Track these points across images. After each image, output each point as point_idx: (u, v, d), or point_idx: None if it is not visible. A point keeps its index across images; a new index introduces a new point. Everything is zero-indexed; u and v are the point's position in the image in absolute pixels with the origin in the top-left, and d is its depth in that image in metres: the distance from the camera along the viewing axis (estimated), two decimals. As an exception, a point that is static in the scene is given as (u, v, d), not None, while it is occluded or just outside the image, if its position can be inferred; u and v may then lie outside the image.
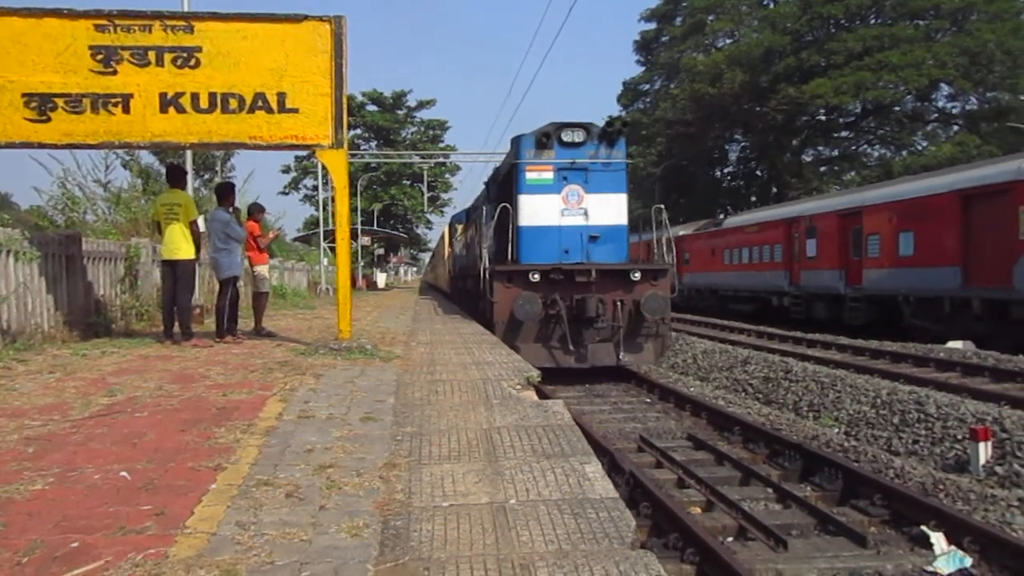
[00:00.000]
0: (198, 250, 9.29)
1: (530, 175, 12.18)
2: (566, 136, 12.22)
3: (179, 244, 8.99)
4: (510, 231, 12.01)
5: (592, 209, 12.16)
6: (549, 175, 12.18)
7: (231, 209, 10.06)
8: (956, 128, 42.02)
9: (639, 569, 2.85)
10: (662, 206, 12.68)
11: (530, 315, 10.98)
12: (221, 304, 9.64)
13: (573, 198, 12.13)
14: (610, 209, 12.27)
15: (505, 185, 13.24)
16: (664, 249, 12.40)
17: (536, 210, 12.12)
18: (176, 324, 9.18)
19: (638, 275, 11.56)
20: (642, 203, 33.00)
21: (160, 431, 4.51)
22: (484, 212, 14.36)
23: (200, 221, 10.40)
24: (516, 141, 12.56)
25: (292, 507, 3.31)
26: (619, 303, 11.37)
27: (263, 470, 3.79)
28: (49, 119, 7.79)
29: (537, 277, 11.31)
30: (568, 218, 12.15)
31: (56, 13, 7.81)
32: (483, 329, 11.89)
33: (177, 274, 9.05)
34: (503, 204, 12.32)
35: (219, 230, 9.68)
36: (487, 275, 11.92)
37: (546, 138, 12.16)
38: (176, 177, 9.61)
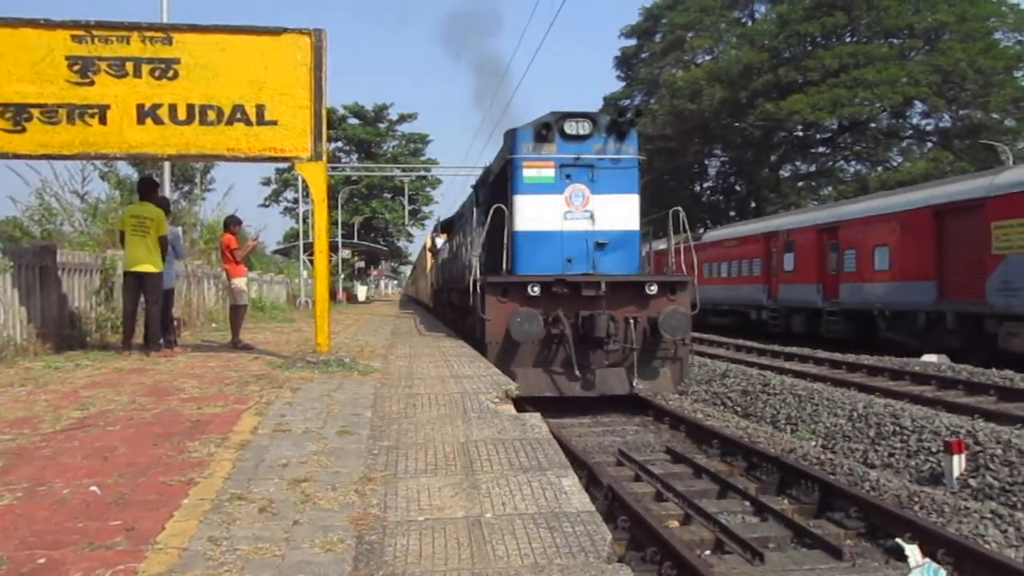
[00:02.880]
0: (163, 263, 9.23)
1: (527, 172, 10.62)
2: (569, 127, 10.68)
3: (147, 257, 8.92)
4: (504, 237, 10.42)
5: (599, 212, 10.66)
6: (550, 172, 10.63)
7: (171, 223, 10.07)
8: (930, 144, 42.72)
9: (614, 583, 2.85)
10: (679, 208, 11.11)
11: (529, 335, 9.50)
12: (153, 313, 9.55)
13: (577, 199, 10.64)
14: (620, 212, 10.76)
15: (498, 185, 11.68)
16: (681, 258, 10.96)
17: (534, 213, 10.60)
18: (144, 336, 9.18)
19: (654, 288, 10.12)
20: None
21: (132, 445, 4.45)
22: (473, 217, 12.73)
23: (178, 233, 10.38)
24: (511, 134, 10.95)
25: (265, 522, 3.27)
26: (632, 321, 9.94)
27: (237, 484, 3.75)
28: (24, 129, 7.72)
29: (537, 290, 9.83)
30: (571, 222, 10.65)
31: (33, 23, 7.76)
32: (463, 343, 11.79)
33: (147, 287, 9.00)
34: (497, 205, 10.62)
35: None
36: (478, 288, 10.37)
37: (546, 130, 10.58)
38: (148, 190, 9.57)
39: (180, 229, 10.74)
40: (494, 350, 9.85)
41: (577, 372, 9.71)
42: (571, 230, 10.63)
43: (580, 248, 10.61)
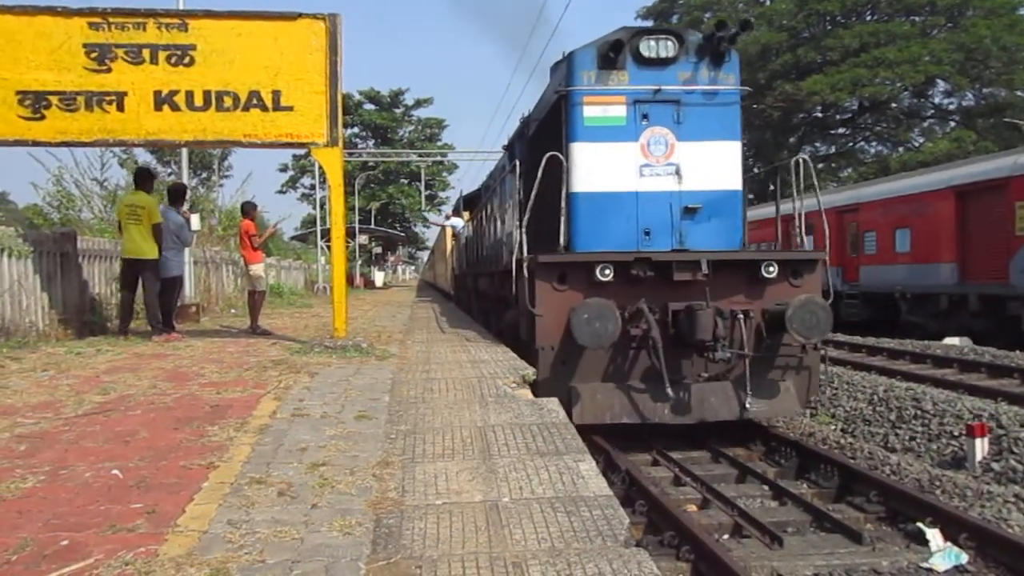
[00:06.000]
0: (159, 251, 9.35)
1: (589, 111, 7.81)
2: (646, 48, 7.80)
3: (141, 245, 9.07)
4: (562, 201, 7.65)
5: (688, 165, 7.83)
6: (620, 111, 7.83)
7: (182, 211, 10.17)
8: (952, 124, 42.05)
9: (632, 567, 2.84)
10: (805, 158, 8.40)
11: (601, 338, 6.72)
12: (168, 303, 9.82)
13: (658, 148, 7.84)
14: (717, 165, 7.93)
15: (544, 136, 8.65)
16: (803, 228, 8.21)
17: (599, 167, 7.81)
18: (148, 319, 9.34)
19: (774, 269, 7.41)
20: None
21: (153, 429, 4.49)
22: (513, 181, 9.54)
23: (195, 220, 10.46)
24: (568, 59, 8.00)
25: (284, 505, 3.30)
26: (741, 316, 7.12)
27: (256, 468, 3.78)
28: (43, 117, 7.78)
29: (609, 274, 7.20)
30: (650, 179, 7.83)
31: (50, 11, 7.80)
32: (479, 327, 11.71)
33: (143, 273, 9.18)
34: (551, 154, 7.67)
35: (170, 231, 9.74)
36: (524, 271, 7.62)
37: (615, 51, 7.68)
38: (142, 180, 9.72)
39: (197, 216, 10.83)
40: (547, 358, 7.25)
41: (669, 390, 6.85)
42: (650, 190, 7.86)
43: (662, 215, 7.87)
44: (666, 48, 7.86)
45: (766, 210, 26.69)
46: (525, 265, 7.63)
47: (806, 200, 8.61)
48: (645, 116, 7.86)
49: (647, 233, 7.85)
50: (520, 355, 7.91)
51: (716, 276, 7.23)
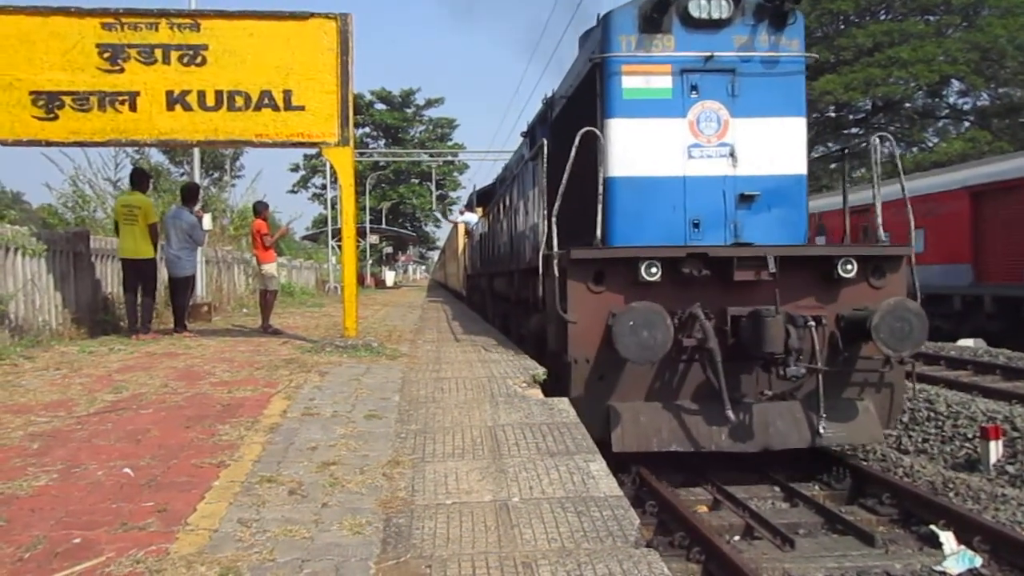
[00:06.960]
0: (156, 250, 9.45)
1: (629, 82, 6.76)
2: (697, 8, 6.75)
3: (139, 245, 9.16)
4: (598, 187, 6.48)
5: (744, 145, 6.82)
6: (665, 81, 6.80)
7: (194, 211, 10.23)
8: (967, 124, 41.74)
9: (642, 567, 2.83)
10: (886, 136, 7.51)
11: (650, 349, 5.73)
12: (181, 302, 9.95)
13: (709, 125, 6.82)
14: (778, 145, 6.89)
15: (573, 114, 7.69)
16: (879, 219, 7.02)
17: (640, 147, 6.77)
18: (139, 318, 9.38)
19: (852, 267, 6.29)
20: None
21: (164, 428, 4.51)
22: (533, 169, 8.57)
23: (207, 219, 10.52)
24: (604, 22, 6.96)
25: (294, 504, 3.30)
26: (813, 323, 5.98)
27: (266, 467, 3.79)
28: (56, 117, 7.83)
29: (656, 272, 6.13)
30: (700, 162, 6.80)
31: (64, 11, 7.85)
32: (496, 332, 11.65)
33: (142, 273, 9.27)
34: (588, 129, 6.53)
35: (183, 230, 9.82)
36: (554, 269, 6.41)
37: (659, 12, 6.68)
38: (139, 180, 9.82)
39: (209, 215, 10.91)
40: (582, 372, 6.20)
41: (729, 412, 5.73)
42: (699, 175, 6.82)
43: (714, 204, 6.83)
44: (719, 8, 6.80)
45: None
46: (555, 262, 6.45)
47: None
48: (694, 88, 6.84)
49: (696, 225, 6.81)
50: (547, 367, 6.89)
51: (781, 275, 6.16)
